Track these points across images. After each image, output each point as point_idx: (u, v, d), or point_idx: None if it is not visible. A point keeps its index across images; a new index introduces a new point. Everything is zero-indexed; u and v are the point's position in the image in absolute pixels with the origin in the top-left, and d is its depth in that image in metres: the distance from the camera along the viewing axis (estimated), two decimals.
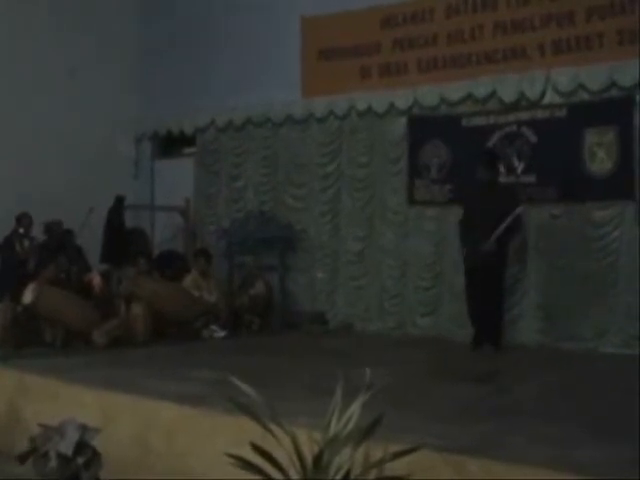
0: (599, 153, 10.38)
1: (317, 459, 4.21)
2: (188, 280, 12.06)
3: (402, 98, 11.97)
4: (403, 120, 12.13)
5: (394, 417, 4.95)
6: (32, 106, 13.51)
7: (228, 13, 13.93)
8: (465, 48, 11.50)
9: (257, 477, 4.33)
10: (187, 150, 15.10)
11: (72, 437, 5.56)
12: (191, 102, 14.18)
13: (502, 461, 4.77)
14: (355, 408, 4.39)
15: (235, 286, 13.06)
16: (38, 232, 12.59)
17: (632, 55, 9.98)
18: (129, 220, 14.12)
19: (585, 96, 10.54)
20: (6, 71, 13.36)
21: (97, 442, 5.64)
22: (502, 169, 11.06)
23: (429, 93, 11.74)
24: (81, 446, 5.57)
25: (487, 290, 10.00)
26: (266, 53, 13.32)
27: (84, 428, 5.69)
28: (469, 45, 11.47)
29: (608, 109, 10.31)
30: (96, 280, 11.26)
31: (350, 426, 4.35)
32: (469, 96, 11.41)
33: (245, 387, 4.52)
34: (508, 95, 11.04)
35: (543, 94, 10.84)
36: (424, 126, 11.87)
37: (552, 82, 10.72)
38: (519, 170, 10.99)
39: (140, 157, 15.58)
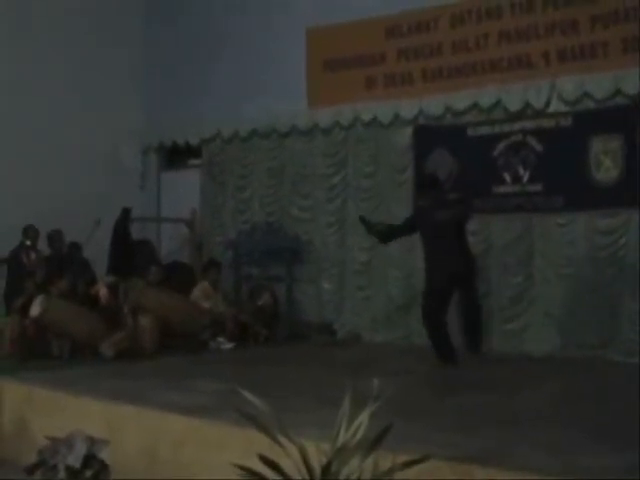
0: (605, 161, 10.38)
1: (325, 470, 4.20)
2: (198, 291, 12.08)
3: (407, 108, 11.98)
4: (408, 130, 12.13)
5: (402, 427, 4.95)
6: (38, 119, 13.55)
7: (233, 24, 13.96)
8: (470, 57, 11.51)
9: None
10: (193, 161, 15.13)
11: (80, 449, 5.57)
12: (196, 114, 14.21)
13: (509, 469, 4.77)
14: (363, 418, 4.38)
15: (242, 297, 13.07)
16: (44, 244, 12.62)
17: (637, 63, 9.98)
18: (136, 232, 14.13)
19: (590, 104, 10.54)
20: (12, 83, 13.42)
21: (105, 454, 5.64)
22: (508, 178, 11.09)
23: (434, 103, 11.73)
24: (89, 458, 5.58)
25: (470, 300, 9.86)
26: (271, 64, 13.35)
27: (92, 440, 5.70)
28: (474, 54, 11.47)
29: (613, 117, 10.30)
30: (102, 292, 11.29)
31: (358, 436, 4.34)
32: (474, 105, 11.42)
33: (252, 398, 4.52)
34: (513, 104, 11.05)
35: (548, 103, 10.84)
36: (430, 136, 11.87)
37: (557, 90, 10.72)
38: (525, 179, 10.99)
39: (146, 169, 15.60)
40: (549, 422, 6.44)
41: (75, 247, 12.71)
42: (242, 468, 4.38)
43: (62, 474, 5.50)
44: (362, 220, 10.69)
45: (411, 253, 11.93)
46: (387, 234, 10.45)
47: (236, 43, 13.96)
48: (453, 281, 9.71)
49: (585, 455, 5.15)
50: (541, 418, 6.66)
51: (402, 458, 4.49)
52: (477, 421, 6.40)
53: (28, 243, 12.36)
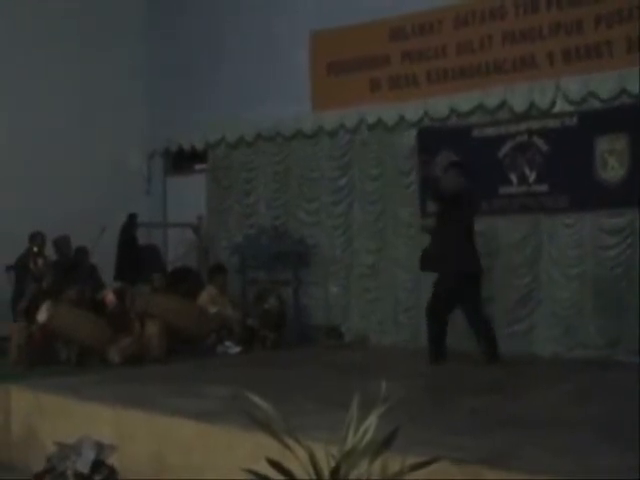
0: (610, 161, 10.37)
1: (334, 472, 4.19)
2: (205, 296, 12.07)
3: (412, 110, 11.97)
4: (414, 132, 12.12)
5: (410, 429, 4.94)
6: (42, 125, 13.61)
7: (237, 29, 13.98)
8: (474, 58, 11.50)
9: None
10: (198, 166, 15.14)
11: (89, 455, 5.58)
12: (202, 118, 14.23)
13: (519, 471, 4.75)
14: (371, 421, 4.37)
15: (249, 301, 13.07)
16: (51, 251, 12.64)
17: None
18: (142, 237, 14.15)
19: (595, 104, 10.53)
20: (16, 90, 13.48)
21: (113, 459, 5.64)
22: (514, 179, 11.09)
23: (439, 104, 11.73)
24: (98, 464, 5.59)
25: (476, 302, 9.84)
26: (276, 68, 13.37)
27: (100, 446, 5.70)
28: (478, 55, 11.47)
29: (619, 116, 10.29)
30: (109, 298, 11.29)
31: (367, 439, 4.33)
32: (479, 106, 11.41)
33: (261, 402, 4.51)
34: (518, 105, 11.04)
35: (553, 103, 10.83)
36: (435, 137, 11.85)
37: (562, 91, 10.71)
38: (531, 180, 10.97)
39: (152, 174, 15.62)
40: (559, 424, 6.42)
41: (82, 253, 12.72)
42: (251, 472, 4.38)
43: None
44: None
45: (417, 255, 11.92)
46: None
47: (241, 47, 13.97)
48: (463, 281, 9.72)
49: (596, 457, 5.13)
50: (551, 420, 6.64)
51: (411, 460, 4.48)
52: (486, 423, 6.39)
53: (35, 249, 12.36)
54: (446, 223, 9.80)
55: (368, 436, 4.34)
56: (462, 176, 9.95)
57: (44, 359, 10.13)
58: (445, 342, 9.95)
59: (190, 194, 14.79)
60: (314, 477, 4.29)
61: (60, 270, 12.00)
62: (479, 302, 9.95)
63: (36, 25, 13.82)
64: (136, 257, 13.46)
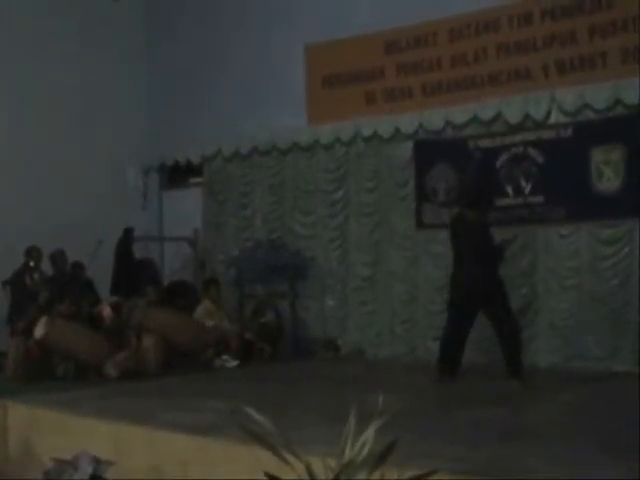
0: (606, 171, 10.38)
1: None
2: (201, 310, 12.06)
3: (407, 122, 11.98)
4: (409, 144, 12.13)
5: (409, 441, 4.92)
6: (38, 139, 13.63)
7: (232, 43, 14.00)
8: (469, 71, 11.53)
9: None
10: (194, 180, 15.13)
11: (86, 470, 5.57)
12: (197, 132, 14.23)
13: None
14: (369, 434, 4.36)
15: (246, 315, 13.05)
16: (47, 265, 12.63)
17: (636, 73, 10.00)
18: (138, 251, 14.13)
19: (590, 115, 10.55)
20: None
21: (111, 474, 5.62)
22: (510, 191, 11.09)
23: (434, 117, 11.74)
24: (95, 479, 5.56)
25: (501, 317, 9.64)
26: (271, 81, 13.40)
27: (97, 461, 5.69)
28: (473, 68, 11.50)
29: (614, 127, 10.31)
30: (106, 312, 11.27)
31: (364, 452, 4.32)
32: (474, 118, 11.42)
33: (258, 416, 4.50)
34: (513, 116, 11.06)
35: (548, 114, 10.86)
36: (430, 150, 11.87)
37: (557, 102, 10.73)
38: (527, 191, 10.98)
39: (148, 188, 15.60)
40: (559, 435, 6.41)
41: (78, 267, 12.72)
42: None
43: None
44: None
45: (414, 267, 11.94)
46: None
47: (236, 61, 14.00)
48: (468, 299, 9.64)
49: (595, 468, 5.12)
50: (551, 431, 6.64)
51: (409, 473, 4.47)
52: (485, 435, 6.38)
53: (31, 264, 12.36)
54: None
55: (366, 449, 4.32)
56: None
57: (41, 374, 10.11)
58: (455, 358, 9.68)
59: (186, 208, 14.78)
60: None
61: (56, 285, 11.99)
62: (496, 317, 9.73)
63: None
64: (132, 271, 13.45)
